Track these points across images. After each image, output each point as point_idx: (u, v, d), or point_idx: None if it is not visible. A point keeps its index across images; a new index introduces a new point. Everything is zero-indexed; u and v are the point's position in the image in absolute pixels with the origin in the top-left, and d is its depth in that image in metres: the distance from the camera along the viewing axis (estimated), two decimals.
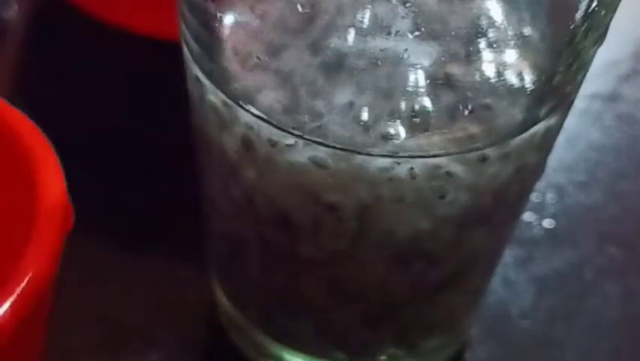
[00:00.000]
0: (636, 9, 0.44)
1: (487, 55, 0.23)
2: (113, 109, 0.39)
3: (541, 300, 0.35)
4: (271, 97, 0.23)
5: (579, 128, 0.40)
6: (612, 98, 0.42)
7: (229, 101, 0.24)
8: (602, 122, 0.41)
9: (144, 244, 0.36)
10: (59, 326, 0.32)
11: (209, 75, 0.24)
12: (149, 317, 0.34)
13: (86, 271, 0.35)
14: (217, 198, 0.28)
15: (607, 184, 0.39)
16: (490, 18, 0.23)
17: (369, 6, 0.23)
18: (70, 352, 0.32)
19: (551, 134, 0.25)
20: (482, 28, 0.23)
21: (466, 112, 0.23)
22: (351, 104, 0.23)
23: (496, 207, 0.26)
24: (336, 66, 0.23)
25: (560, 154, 0.39)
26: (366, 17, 0.23)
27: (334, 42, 0.23)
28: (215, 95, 0.24)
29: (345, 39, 0.23)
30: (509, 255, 0.35)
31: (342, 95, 0.23)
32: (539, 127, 0.24)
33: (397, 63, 0.22)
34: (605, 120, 0.41)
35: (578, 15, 0.22)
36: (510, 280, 0.35)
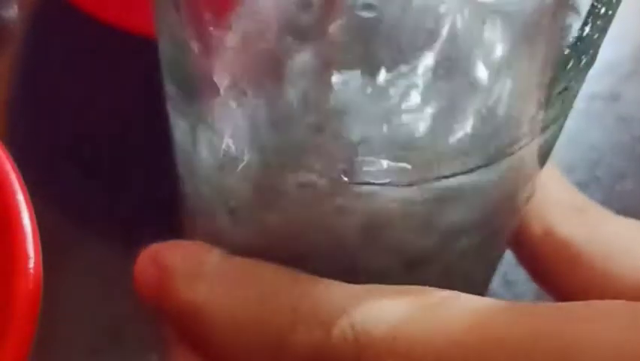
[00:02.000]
0: (636, 10, 0.44)
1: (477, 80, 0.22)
2: (114, 109, 0.39)
3: (542, 300, 0.35)
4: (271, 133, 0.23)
5: (579, 129, 0.40)
6: (612, 98, 0.42)
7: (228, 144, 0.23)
8: (602, 122, 0.41)
9: (145, 245, 0.36)
10: (59, 327, 0.32)
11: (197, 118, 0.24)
12: (149, 319, 0.33)
13: (86, 271, 0.35)
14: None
15: (607, 184, 0.39)
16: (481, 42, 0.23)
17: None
18: (70, 353, 0.32)
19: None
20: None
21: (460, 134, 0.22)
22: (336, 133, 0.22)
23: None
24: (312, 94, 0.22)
25: (560, 154, 0.39)
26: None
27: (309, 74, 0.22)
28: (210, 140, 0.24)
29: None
30: (509, 255, 0.35)
31: (335, 125, 0.22)
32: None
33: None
34: (605, 120, 0.41)
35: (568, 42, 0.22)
36: (510, 280, 0.35)
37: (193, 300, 0.23)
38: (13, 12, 0.42)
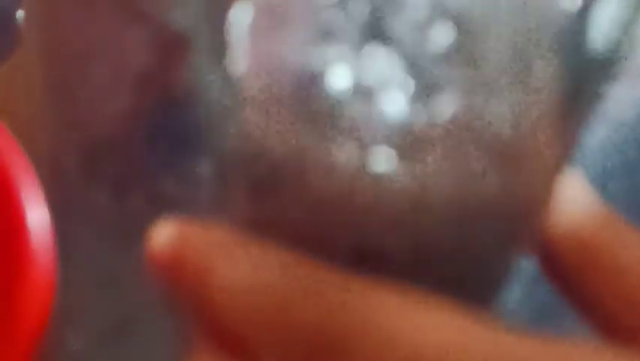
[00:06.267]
0: None
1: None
2: (116, 109, 0.39)
3: (541, 300, 0.35)
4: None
5: None
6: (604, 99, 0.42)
7: None
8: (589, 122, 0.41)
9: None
10: (66, 324, 0.32)
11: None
12: (157, 314, 0.34)
13: (90, 270, 0.35)
14: None
15: (595, 185, 0.39)
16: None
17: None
18: (76, 350, 0.33)
19: None
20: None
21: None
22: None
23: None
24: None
25: None
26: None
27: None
28: None
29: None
30: None
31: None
32: None
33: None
34: (598, 121, 0.41)
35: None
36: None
37: (208, 263, 0.24)
38: (19, 13, 0.42)
